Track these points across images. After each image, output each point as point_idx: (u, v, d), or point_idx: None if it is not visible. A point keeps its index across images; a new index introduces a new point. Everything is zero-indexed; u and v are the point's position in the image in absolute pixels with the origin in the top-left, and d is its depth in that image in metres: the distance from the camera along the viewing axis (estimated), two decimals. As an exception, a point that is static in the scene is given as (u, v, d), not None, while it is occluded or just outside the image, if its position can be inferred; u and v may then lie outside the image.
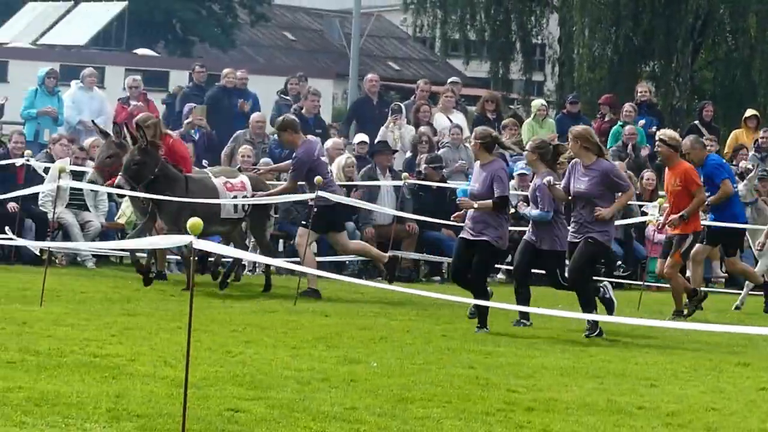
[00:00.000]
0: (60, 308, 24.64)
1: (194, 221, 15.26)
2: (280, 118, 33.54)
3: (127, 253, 33.15)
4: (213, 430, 15.00)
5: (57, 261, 31.27)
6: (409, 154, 39.71)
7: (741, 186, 34.04)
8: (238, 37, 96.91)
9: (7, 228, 29.80)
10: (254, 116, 41.39)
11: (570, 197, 26.20)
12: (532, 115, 44.67)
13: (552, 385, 19.45)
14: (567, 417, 16.95)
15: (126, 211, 33.86)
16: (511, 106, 64.85)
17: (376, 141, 40.15)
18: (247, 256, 27.99)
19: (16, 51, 55.16)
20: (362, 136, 40.25)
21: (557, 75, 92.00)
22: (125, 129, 29.70)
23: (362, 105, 45.75)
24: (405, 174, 38.89)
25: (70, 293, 26.38)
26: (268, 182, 32.50)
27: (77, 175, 33.81)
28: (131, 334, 21.80)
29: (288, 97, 43.62)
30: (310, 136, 33.28)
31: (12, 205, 31.51)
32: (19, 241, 29.68)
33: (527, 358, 22.42)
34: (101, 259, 35.48)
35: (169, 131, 32.63)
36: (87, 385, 16.96)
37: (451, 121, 43.84)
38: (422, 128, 41.50)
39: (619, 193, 26.15)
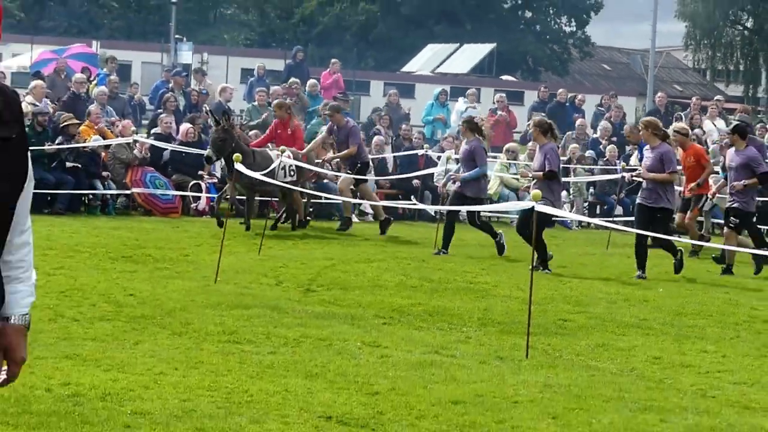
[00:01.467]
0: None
1: (535, 192, 15.60)
2: (332, 103, 32.12)
3: (495, 215, 33.17)
4: (548, 332, 15.34)
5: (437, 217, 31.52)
6: (685, 149, 39.42)
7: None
8: (570, 68, 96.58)
9: (412, 196, 31.88)
10: (579, 121, 40.79)
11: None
12: (772, 122, 43.68)
13: None
14: None
15: (493, 185, 33.66)
16: (759, 116, 63.83)
17: (663, 140, 39.37)
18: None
19: (420, 77, 55.37)
20: (653, 137, 39.90)
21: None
22: (210, 114, 28.82)
23: (654, 114, 44.49)
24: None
25: (455, 241, 25.38)
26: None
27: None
28: (496, 269, 22.09)
29: (602, 108, 43.21)
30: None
31: (416, 182, 32.09)
32: (420, 206, 30.50)
33: None
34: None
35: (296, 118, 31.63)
36: (464, 302, 17.63)
37: (715, 125, 42.64)
38: (695, 130, 40.32)
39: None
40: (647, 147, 24.12)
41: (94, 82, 32.99)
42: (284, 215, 29.38)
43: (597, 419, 10.87)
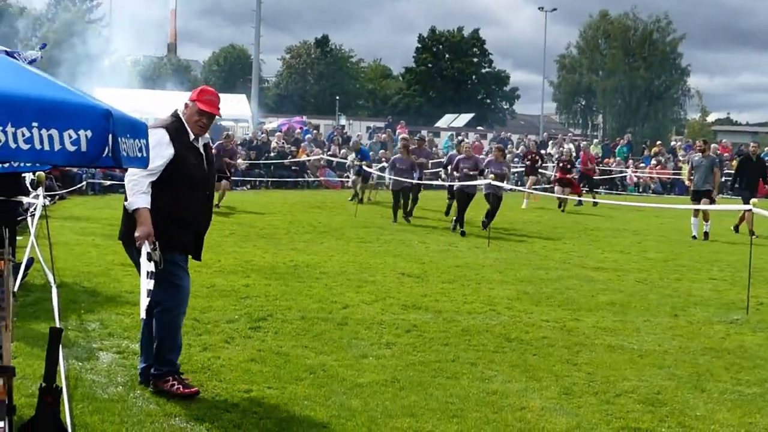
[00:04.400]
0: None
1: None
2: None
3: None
4: (500, 238, 14.40)
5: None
6: None
7: None
8: (507, 120, 77.97)
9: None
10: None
11: None
12: None
13: None
14: None
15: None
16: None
17: None
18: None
19: (442, 128, 49.93)
20: None
21: None
22: None
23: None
24: None
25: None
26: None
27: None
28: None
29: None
30: None
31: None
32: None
33: None
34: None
35: None
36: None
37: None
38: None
39: None
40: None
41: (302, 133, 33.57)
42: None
43: (518, 271, 10.86)
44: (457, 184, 15.73)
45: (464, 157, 15.94)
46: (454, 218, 15.83)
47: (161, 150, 5.02)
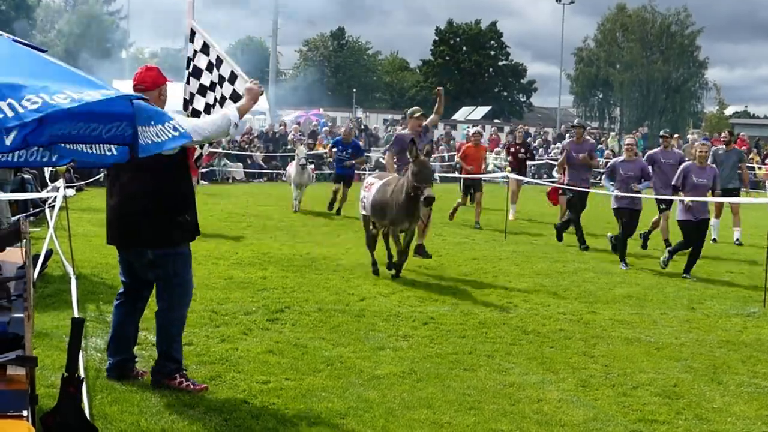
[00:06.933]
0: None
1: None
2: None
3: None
4: (517, 232, 14.19)
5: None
6: None
7: None
8: (524, 114, 78.50)
9: None
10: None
11: None
12: None
13: None
14: None
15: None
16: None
17: None
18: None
19: (459, 120, 49.03)
20: None
21: None
22: None
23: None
24: None
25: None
26: None
27: None
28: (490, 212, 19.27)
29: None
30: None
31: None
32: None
33: None
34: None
35: None
36: (478, 219, 17.05)
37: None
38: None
39: None
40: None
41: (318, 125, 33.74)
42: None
43: (535, 264, 10.84)
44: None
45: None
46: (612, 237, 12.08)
47: None
